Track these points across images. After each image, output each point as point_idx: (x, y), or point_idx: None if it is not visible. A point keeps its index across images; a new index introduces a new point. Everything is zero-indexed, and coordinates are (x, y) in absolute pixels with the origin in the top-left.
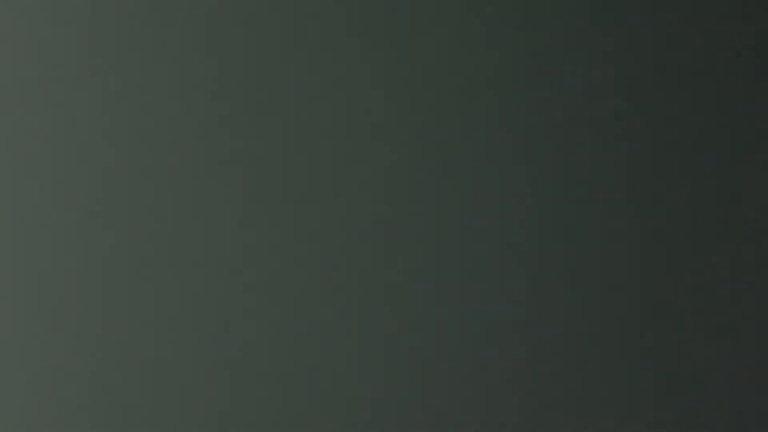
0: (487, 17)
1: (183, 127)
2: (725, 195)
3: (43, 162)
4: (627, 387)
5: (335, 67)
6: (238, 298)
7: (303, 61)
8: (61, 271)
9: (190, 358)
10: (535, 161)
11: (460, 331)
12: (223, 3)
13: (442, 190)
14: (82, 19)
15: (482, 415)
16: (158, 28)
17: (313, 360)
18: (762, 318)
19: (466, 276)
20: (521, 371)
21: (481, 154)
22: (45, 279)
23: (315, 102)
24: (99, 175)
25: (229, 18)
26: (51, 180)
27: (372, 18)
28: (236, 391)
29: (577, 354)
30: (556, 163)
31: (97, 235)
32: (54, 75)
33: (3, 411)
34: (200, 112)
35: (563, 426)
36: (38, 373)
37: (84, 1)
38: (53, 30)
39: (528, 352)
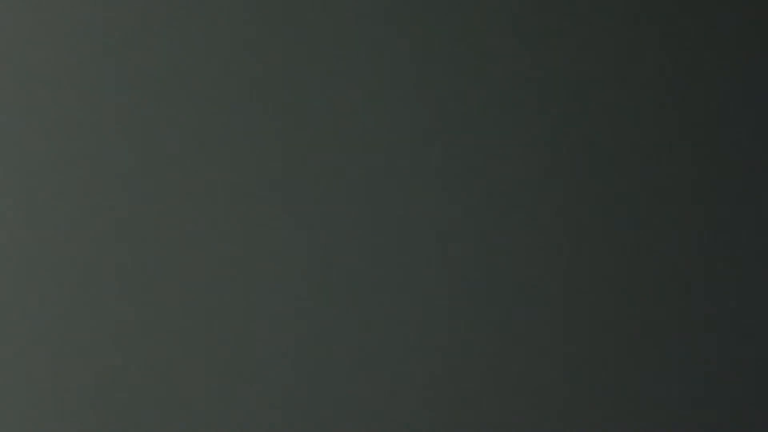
0: (488, 19)
1: (180, 128)
2: (723, 196)
3: (41, 162)
4: (623, 386)
5: (335, 67)
6: (236, 299)
7: (306, 59)
8: (59, 272)
9: (189, 358)
10: (534, 161)
11: (454, 329)
12: (223, 3)
13: (440, 190)
14: (80, 18)
15: (479, 414)
16: (155, 28)
17: (308, 360)
18: (761, 315)
19: (462, 274)
20: (520, 369)
21: (477, 153)
22: (44, 279)
23: (314, 102)
24: (98, 176)
25: (231, 17)
26: (49, 180)
27: (370, 18)
28: (235, 391)
29: (572, 354)
30: (552, 162)
31: (97, 235)
32: (52, 75)
33: (3, 411)
34: (199, 112)
35: (559, 425)
36: (37, 374)
37: (83, 1)
38: (52, 29)
39: (525, 351)
